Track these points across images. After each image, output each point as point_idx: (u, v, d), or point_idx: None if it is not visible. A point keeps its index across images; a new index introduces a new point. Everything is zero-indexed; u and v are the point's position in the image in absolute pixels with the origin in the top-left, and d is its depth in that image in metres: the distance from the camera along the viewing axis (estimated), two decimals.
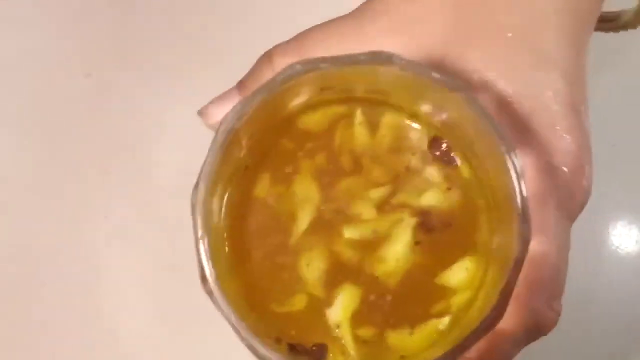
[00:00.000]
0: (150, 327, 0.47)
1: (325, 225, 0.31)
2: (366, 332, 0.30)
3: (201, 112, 0.35)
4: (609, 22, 0.41)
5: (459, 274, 0.30)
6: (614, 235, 0.49)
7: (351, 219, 0.31)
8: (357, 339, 0.30)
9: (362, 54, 0.29)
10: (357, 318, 0.30)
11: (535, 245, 0.30)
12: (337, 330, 0.30)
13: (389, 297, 0.30)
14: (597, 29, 0.37)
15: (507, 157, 0.28)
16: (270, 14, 0.54)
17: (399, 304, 0.30)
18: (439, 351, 0.27)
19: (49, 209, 0.49)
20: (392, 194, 0.31)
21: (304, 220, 0.31)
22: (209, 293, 0.29)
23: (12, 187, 0.50)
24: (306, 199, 0.31)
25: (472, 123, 0.30)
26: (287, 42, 0.34)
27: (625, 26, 0.41)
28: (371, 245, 0.31)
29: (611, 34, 0.44)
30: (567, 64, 0.34)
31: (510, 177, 0.28)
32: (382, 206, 0.31)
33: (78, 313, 0.47)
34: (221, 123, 0.29)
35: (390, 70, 0.29)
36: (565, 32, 0.34)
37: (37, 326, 0.47)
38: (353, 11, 0.34)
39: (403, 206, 0.31)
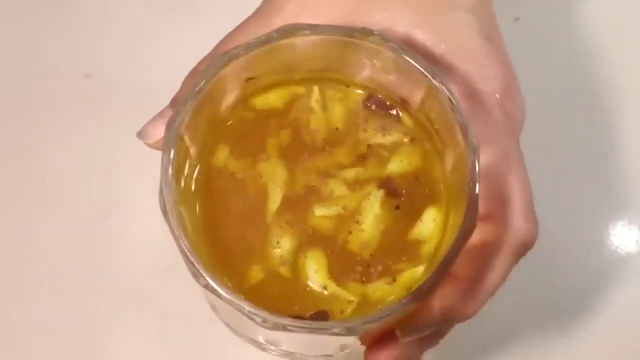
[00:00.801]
0: (150, 327, 0.47)
1: (296, 204, 0.33)
2: (348, 285, 0.33)
3: (139, 134, 0.36)
4: None
5: (428, 225, 0.33)
6: (614, 235, 0.49)
7: (322, 197, 0.33)
8: (346, 287, 0.33)
9: (274, 31, 0.31)
10: (338, 278, 0.33)
11: (487, 157, 0.32)
12: (325, 292, 0.33)
13: (365, 260, 0.33)
14: None
15: (435, 82, 0.31)
16: None
17: (375, 264, 0.33)
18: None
19: (49, 208, 0.49)
20: (360, 169, 0.34)
21: (275, 199, 0.34)
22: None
23: (12, 186, 0.50)
24: (275, 177, 0.34)
25: (397, 67, 0.32)
26: (208, 54, 0.36)
27: None
28: (342, 221, 0.33)
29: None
30: (468, 1, 0.36)
31: (446, 101, 0.31)
32: (352, 183, 0.34)
33: (78, 313, 0.47)
34: (165, 130, 0.31)
35: (304, 43, 0.32)
36: None
37: (37, 326, 0.47)
38: (257, 9, 0.36)
39: (369, 179, 0.34)
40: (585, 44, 0.54)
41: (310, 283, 0.33)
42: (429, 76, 0.31)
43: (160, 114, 0.36)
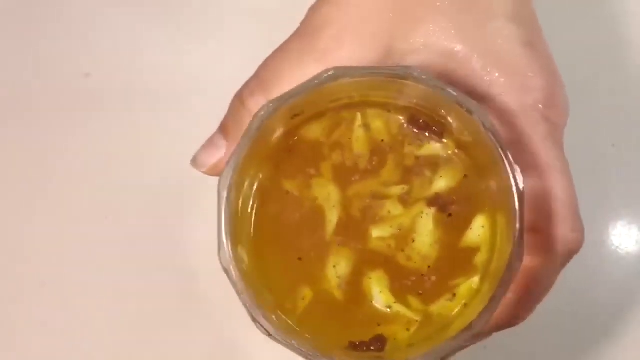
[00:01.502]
0: (149, 326, 0.47)
1: (351, 225, 0.35)
2: (412, 303, 0.34)
3: (193, 162, 0.38)
4: None
5: (477, 232, 0.34)
6: (614, 235, 0.49)
7: (378, 219, 0.35)
8: (410, 306, 0.34)
9: (314, 78, 0.33)
10: (400, 297, 0.34)
11: (535, 181, 0.34)
12: (388, 310, 0.34)
13: (424, 278, 0.34)
14: None
15: (475, 118, 0.32)
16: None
17: (434, 281, 0.34)
18: (478, 310, 0.31)
19: (49, 208, 0.49)
20: (409, 188, 0.35)
21: (332, 220, 0.35)
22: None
23: (12, 186, 0.50)
24: (329, 198, 0.35)
25: (436, 98, 0.33)
26: (251, 79, 0.37)
27: None
28: (398, 240, 0.34)
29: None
30: (508, 8, 0.35)
31: (484, 133, 0.32)
32: (404, 202, 0.35)
33: (78, 313, 0.47)
34: (218, 184, 0.33)
35: (346, 81, 0.33)
36: None
37: (37, 326, 0.47)
38: (297, 30, 0.36)
39: (419, 198, 0.35)
40: (585, 44, 0.54)
41: (375, 304, 0.34)
42: (465, 109, 0.32)
43: (211, 143, 0.38)
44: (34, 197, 0.49)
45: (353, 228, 0.35)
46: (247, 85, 0.37)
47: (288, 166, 0.35)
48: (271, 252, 0.35)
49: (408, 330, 0.34)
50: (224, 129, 0.38)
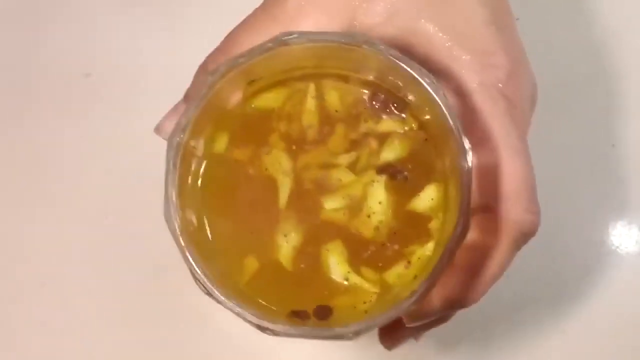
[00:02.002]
0: (149, 326, 0.47)
1: (303, 197, 0.34)
2: (371, 275, 0.34)
3: (156, 129, 0.38)
4: None
5: (426, 200, 0.34)
6: (614, 235, 0.49)
7: (329, 188, 0.34)
8: (367, 278, 0.34)
9: (268, 41, 0.33)
10: (357, 268, 0.34)
11: (487, 157, 0.33)
12: (346, 282, 0.33)
13: (378, 246, 0.34)
14: None
15: (429, 88, 0.32)
16: None
17: (390, 250, 0.34)
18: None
19: (49, 208, 0.49)
20: (358, 157, 0.35)
21: (284, 191, 0.34)
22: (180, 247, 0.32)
23: (12, 186, 0.50)
24: (281, 168, 0.35)
25: (393, 70, 0.33)
26: (215, 48, 0.37)
27: None
28: (352, 210, 0.34)
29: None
30: None
31: (438, 105, 0.32)
32: (354, 169, 0.35)
33: (78, 313, 0.47)
34: (168, 140, 0.33)
35: (301, 47, 0.33)
36: None
37: (37, 326, 0.47)
38: (262, 3, 0.36)
39: (368, 166, 0.35)
40: (586, 44, 0.54)
41: (332, 276, 0.34)
42: (422, 81, 0.33)
43: (175, 109, 0.38)
44: (34, 197, 0.50)
45: (304, 198, 0.34)
46: (210, 55, 0.37)
47: (241, 134, 0.35)
48: (221, 220, 0.35)
49: (365, 302, 0.34)
50: (186, 97, 0.38)
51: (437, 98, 0.32)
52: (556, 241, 0.49)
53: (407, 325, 0.36)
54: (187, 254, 0.32)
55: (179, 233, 0.32)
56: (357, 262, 0.34)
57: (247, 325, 0.46)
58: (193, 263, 0.32)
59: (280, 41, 0.33)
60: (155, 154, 0.50)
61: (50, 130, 0.51)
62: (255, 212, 0.35)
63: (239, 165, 0.35)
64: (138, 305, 0.47)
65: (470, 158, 0.32)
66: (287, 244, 0.34)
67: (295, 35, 0.33)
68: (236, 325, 0.46)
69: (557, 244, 0.48)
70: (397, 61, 0.33)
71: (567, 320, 0.47)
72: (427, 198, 0.34)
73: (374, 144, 0.35)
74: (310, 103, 0.35)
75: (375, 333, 0.41)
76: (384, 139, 0.35)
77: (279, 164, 0.35)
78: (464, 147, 0.32)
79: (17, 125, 0.52)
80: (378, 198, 0.34)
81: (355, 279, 0.34)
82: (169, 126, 0.36)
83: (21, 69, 0.53)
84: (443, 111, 0.32)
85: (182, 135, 0.33)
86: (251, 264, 0.34)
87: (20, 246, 0.48)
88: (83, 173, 0.50)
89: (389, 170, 0.35)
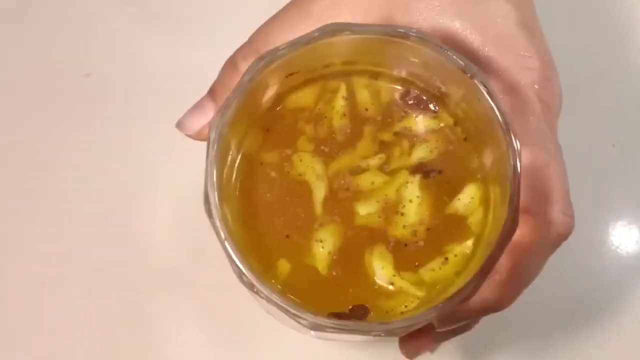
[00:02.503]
0: (149, 326, 0.47)
1: (337, 202, 0.34)
2: (409, 277, 0.33)
3: (178, 125, 0.37)
4: None
5: (465, 201, 0.33)
6: (614, 235, 0.49)
7: (362, 192, 0.34)
8: (413, 282, 0.33)
9: (315, 31, 0.32)
10: (398, 269, 0.33)
11: (527, 156, 0.33)
12: (391, 287, 0.33)
13: (416, 247, 0.33)
14: None
15: (476, 82, 0.31)
16: None
17: (426, 248, 0.33)
18: (471, 274, 0.31)
19: (49, 208, 0.49)
20: (388, 157, 0.34)
21: (318, 198, 0.34)
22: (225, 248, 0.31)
23: (12, 186, 0.50)
24: (313, 175, 0.34)
25: (436, 65, 0.32)
26: (245, 43, 0.36)
27: None
28: (387, 213, 0.34)
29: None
30: None
31: (486, 100, 0.31)
32: (386, 171, 0.34)
33: (78, 313, 0.47)
34: (209, 135, 0.32)
35: (344, 39, 0.32)
36: None
37: (37, 326, 0.47)
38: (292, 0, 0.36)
39: (401, 168, 0.34)
40: (586, 44, 0.54)
41: (377, 280, 0.33)
42: (469, 75, 0.32)
43: (199, 106, 0.37)
44: (34, 197, 0.49)
45: (339, 203, 0.34)
46: (240, 50, 0.36)
47: (273, 135, 0.35)
48: (255, 220, 0.34)
49: (406, 306, 0.33)
50: (213, 92, 0.37)
51: (485, 93, 0.32)
52: None
53: (437, 330, 0.35)
54: (229, 248, 0.31)
55: (220, 227, 0.31)
56: (399, 266, 0.33)
57: (248, 326, 0.46)
58: (235, 257, 0.31)
59: (328, 31, 0.32)
60: (155, 154, 0.51)
61: (50, 130, 0.51)
62: (289, 216, 0.34)
63: (271, 167, 0.34)
64: (138, 305, 0.47)
65: (520, 158, 0.31)
66: (322, 249, 0.34)
67: (342, 27, 0.32)
68: (239, 326, 0.47)
69: None
70: (444, 51, 0.32)
71: (567, 320, 0.47)
72: (467, 198, 0.34)
73: (405, 143, 0.35)
74: (341, 103, 0.35)
75: (392, 342, 0.40)
76: (416, 137, 0.35)
77: (312, 168, 0.34)
78: (514, 146, 0.31)
79: (17, 125, 0.52)
80: (413, 199, 0.34)
81: (400, 282, 0.33)
82: (192, 122, 0.36)
83: (21, 69, 0.53)
84: (492, 105, 0.31)
85: (222, 130, 0.32)
86: (284, 266, 0.34)
87: (20, 246, 0.48)
88: (83, 173, 0.50)
89: (422, 170, 0.34)
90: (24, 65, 0.53)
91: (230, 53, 0.53)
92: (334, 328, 0.30)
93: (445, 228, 0.34)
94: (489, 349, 0.47)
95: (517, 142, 0.31)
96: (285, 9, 0.36)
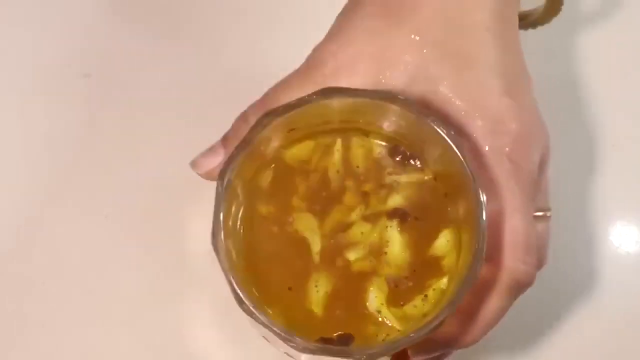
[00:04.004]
0: (149, 327, 0.47)
1: (331, 252, 0.38)
2: (395, 312, 0.38)
3: (192, 164, 0.42)
4: (522, 21, 0.45)
5: (443, 244, 0.38)
6: (614, 235, 0.49)
7: (351, 241, 0.38)
8: (396, 316, 0.38)
9: (313, 94, 0.37)
10: (386, 303, 0.38)
11: (492, 211, 0.37)
12: (379, 315, 0.37)
13: (402, 282, 0.38)
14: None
15: (451, 144, 0.36)
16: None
17: (408, 285, 0.38)
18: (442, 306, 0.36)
19: (49, 209, 0.49)
20: (368, 206, 0.39)
21: (314, 250, 0.38)
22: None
23: (12, 187, 0.50)
24: (308, 230, 0.39)
25: (418, 126, 0.37)
26: (258, 100, 0.41)
27: (534, 23, 0.47)
28: (373, 255, 0.38)
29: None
30: (490, 57, 0.39)
31: (459, 161, 0.36)
32: (368, 219, 0.39)
33: (78, 313, 0.47)
34: (219, 177, 0.37)
35: (339, 101, 0.38)
36: (489, 34, 0.40)
37: (37, 326, 0.47)
38: (300, 66, 0.41)
39: (380, 214, 0.39)
40: (586, 44, 0.54)
41: (368, 305, 0.38)
42: (447, 139, 0.37)
43: (212, 150, 0.42)
44: (34, 197, 0.49)
45: (332, 253, 0.38)
46: (252, 105, 0.41)
47: (273, 188, 0.39)
48: (257, 260, 0.38)
49: (388, 335, 0.37)
50: (224, 139, 0.41)
51: (459, 153, 0.36)
52: (556, 241, 0.49)
53: (412, 358, 0.40)
54: (231, 278, 0.35)
55: (224, 259, 0.36)
56: (389, 301, 0.38)
57: (250, 328, 0.46)
58: (236, 286, 0.36)
59: (324, 95, 0.37)
60: (155, 154, 0.51)
61: (50, 130, 0.51)
62: (287, 265, 0.38)
63: (270, 219, 0.39)
64: (138, 306, 0.47)
65: (485, 211, 0.35)
66: (317, 293, 0.38)
67: (337, 91, 0.38)
68: (239, 325, 0.47)
69: (557, 244, 0.48)
70: (423, 116, 0.37)
71: (567, 320, 0.47)
72: (444, 241, 0.38)
73: (383, 192, 0.39)
74: (334, 159, 0.40)
75: None
76: (397, 187, 0.39)
77: (306, 224, 0.39)
78: (481, 201, 0.36)
79: (17, 125, 0.52)
80: (393, 240, 0.38)
81: (387, 314, 0.37)
82: (204, 163, 0.42)
83: (21, 69, 0.53)
84: (464, 165, 0.36)
85: (230, 177, 0.37)
86: (281, 300, 0.38)
87: (20, 246, 0.48)
88: (83, 173, 0.50)
89: (398, 214, 0.39)
90: (24, 65, 0.53)
91: (230, 55, 0.53)
92: (321, 351, 0.35)
93: (424, 267, 0.38)
94: (489, 349, 0.47)
95: (484, 197, 0.36)
96: (293, 75, 0.41)
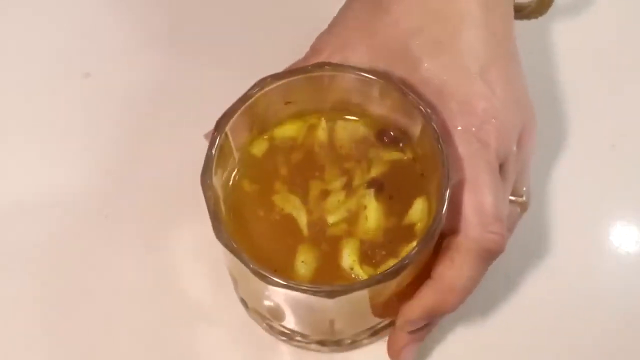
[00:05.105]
0: (149, 327, 0.47)
1: (316, 223, 0.41)
2: (367, 270, 0.40)
3: (207, 136, 0.42)
4: (517, 12, 0.47)
5: (417, 211, 0.41)
6: (614, 235, 0.49)
7: (331, 209, 0.41)
8: (368, 274, 0.40)
9: (310, 65, 0.41)
10: (360, 261, 0.41)
11: (461, 184, 0.40)
12: (352, 272, 0.40)
13: (376, 253, 0.41)
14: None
15: (431, 123, 0.40)
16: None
17: (382, 252, 0.41)
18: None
19: (48, 208, 0.49)
20: (349, 179, 0.42)
21: (301, 224, 0.41)
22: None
23: (12, 187, 0.50)
24: (293, 207, 0.41)
25: (402, 106, 0.41)
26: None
27: (529, 15, 0.48)
28: (350, 220, 0.41)
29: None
30: (470, 44, 0.42)
31: (435, 136, 0.39)
32: (347, 190, 0.42)
33: (78, 313, 0.47)
34: (215, 127, 0.39)
35: (334, 80, 0.41)
36: (470, 21, 0.42)
37: (37, 326, 0.47)
38: (306, 52, 0.44)
39: (360, 184, 0.42)
40: (586, 44, 0.54)
41: (342, 264, 0.40)
42: (425, 115, 0.40)
43: None
44: (33, 197, 0.49)
45: (318, 224, 0.41)
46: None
47: (260, 164, 0.42)
48: (250, 233, 0.41)
49: None
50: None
51: (434, 128, 0.39)
52: (556, 241, 0.49)
53: (399, 332, 0.43)
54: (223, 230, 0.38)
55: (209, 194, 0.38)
56: (362, 260, 0.40)
57: (250, 328, 0.47)
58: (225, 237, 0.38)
59: (319, 66, 0.41)
60: (155, 154, 0.51)
61: (49, 130, 0.51)
62: (277, 237, 0.41)
63: (258, 196, 0.42)
64: (138, 306, 0.47)
65: (449, 179, 0.39)
66: (303, 264, 0.40)
67: (327, 65, 0.41)
68: (240, 325, 0.47)
69: (557, 244, 0.49)
70: (408, 96, 0.40)
71: (567, 320, 0.47)
72: (418, 208, 0.41)
73: (364, 167, 0.42)
74: (320, 137, 0.43)
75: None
76: (374, 163, 0.42)
77: (291, 202, 0.41)
78: (446, 168, 0.39)
79: (16, 125, 0.52)
80: (370, 206, 0.41)
81: (359, 271, 0.40)
82: None
83: (21, 69, 0.53)
84: (437, 140, 0.39)
85: (225, 129, 0.39)
86: (271, 256, 0.40)
87: (20, 246, 0.48)
88: (83, 172, 0.50)
89: (376, 184, 0.42)
90: (24, 64, 0.53)
91: (230, 55, 0.53)
92: (292, 288, 0.37)
93: (400, 237, 0.41)
94: (489, 349, 0.47)
95: (448, 166, 0.39)
96: (298, 60, 0.44)
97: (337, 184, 0.42)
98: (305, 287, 0.37)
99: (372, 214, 0.41)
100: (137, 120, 0.52)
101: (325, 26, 0.44)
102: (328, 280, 0.40)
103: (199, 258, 0.48)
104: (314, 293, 0.37)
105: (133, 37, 0.54)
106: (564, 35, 0.54)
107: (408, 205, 0.41)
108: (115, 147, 0.51)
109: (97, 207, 0.49)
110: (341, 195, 0.42)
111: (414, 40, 0.42)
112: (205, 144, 0.39)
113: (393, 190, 0.42)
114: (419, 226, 0.41)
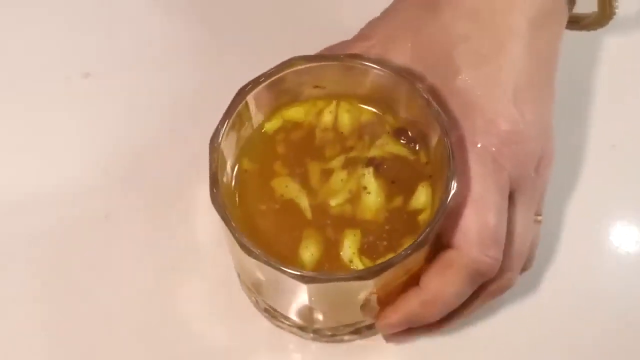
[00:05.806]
0: (150, 327, 0.47)
1: (319, 206, 0.41)
2: (366, 262, 0.40)
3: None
4: (575, 23, 0.47)
5: (421, 197, 0.41)
6: (614, 235, 0.49)
7: (333, 190, 0.41)
8: (366, 265, 0.40)
9: (344, 55, 0.41)
10: (360, 252, 0.40)
11: (458, 200, 0.39)
12: (351, 264, 0.40)
13: (380, 230, 0.41)
14: (567, 27, 0.45)
15: (442, 133, 0.39)
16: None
17: (383, 242, 0.40)
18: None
19: (48, 208, 0.49)
20: (348, 158, 0.42)
21: (304, 207, 0.41)
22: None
23: (10, 186, 0.50)
24: (295, 192, 0.41)
25: (424, 112, 0.40)
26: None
27: (588, 26, 0.48)
28: (353, 201, 0.41)
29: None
30: (511, 63, 0.41)
31: (447, 146, 0.39)
32: (347, 168, 0.42)
33: (78, 313, 0.47)
34: (237, 94, 0.39)
35: (366, 69, 0.41)
36: (517, 38, 0.42)
37: (37, 326, 0.47)
38: (356, 34, 0.44)
39: (357, 163, 0.42)
40: (586, 45, 0.54)
41: (342, 255, 0.40)
42: (443, 129, 0.39)
43: None
44: (33, 197, 0.49)
45: (320, 206, 0.41)
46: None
47: (265, 147, 0.42)
48: (255, 222, 0.40)
49: None
50: None
51: (448, 143, 0.39)
52: (556, 241, 0.49)
53: (381, 334, 0.44)
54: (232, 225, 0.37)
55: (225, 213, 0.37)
56: (362, 251, 0.40)
57: (251, 329, 0.46)
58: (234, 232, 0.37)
59: (351, 57, 0.41)
60: (155, 154, 0.51)
61: (49, 130, 0.51)
62: (281, 221, 0.41)
63: (259, 176, 0.41)
64: (138, 306, 0.47)
65: (453, 190, 0.38)
66: (307, 251, 0.40)
67: (358, 58, 0.41)
68: (240, 325, 0.47)
69: (557, 244, 0.49)
70: (432, 104, 0.40)
71: (567, 320, 0.47)
72: (421, 195, 0.41)
73: (366, 139, 0.42)
74: (328, 120, 0.43)
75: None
76: (384, 149, 0.42)
77: (293, 187, 0.41)
78: (449, 189, 0.38)
79: (16, 125, 0.52)
80: (370, 186, 0.41)
81: (358, 263, 0.40)
82: None
83: (21, 69, 0.53)
84: (448, 151, 0.39)
85: (248, 98, 0.40)
86: (276, 246, 0.40)
87: (20, 246, 0.48)
88: (83, 172, 0.50)
89: (374, 162, 0.41)
90: (24, 64, 0.53)
91: (230, 55, 0.53)
92: (297, 276, 0.37)
93: (402, 227, 0.40)
94: (489, 349, 0.47)
95: (455, 183, 0.38)
96: (346, 41, 0.44)
97: (337, 161, 0.42)
98: (278, 265, 0.37)
99: (374, 194, 0.41)
100: (137, 120, 0.52)
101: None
102: (329, 268, 0.40)
103: (199, 258, 0.48)
104: (285, 272, 0.37)
105: (133, 37, 0.54)
106: (563, 35, 0.54)
107: (410, 195, 0.41)
108: (115, 147, 0.51)
109: (97, 207, 0.49)
110: (342, 174, 0.41)
111: (457, 48, 0.41)
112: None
113: (396, 178, 0.41)
114: (422, 217, 0.41)
